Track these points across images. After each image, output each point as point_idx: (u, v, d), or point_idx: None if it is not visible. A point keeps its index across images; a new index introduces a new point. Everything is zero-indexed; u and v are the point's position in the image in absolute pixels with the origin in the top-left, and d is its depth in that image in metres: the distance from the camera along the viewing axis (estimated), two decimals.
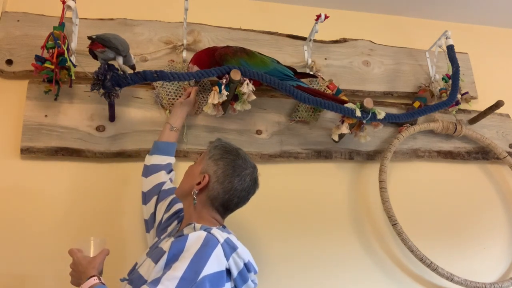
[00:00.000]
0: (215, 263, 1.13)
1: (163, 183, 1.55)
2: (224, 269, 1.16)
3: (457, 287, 1.79)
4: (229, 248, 1.18)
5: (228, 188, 1.27)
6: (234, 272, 1.18)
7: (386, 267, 1.84)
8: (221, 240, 1.17)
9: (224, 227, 1.34)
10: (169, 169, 1.61)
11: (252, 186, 1.32)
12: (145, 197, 1.56)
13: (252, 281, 1.26)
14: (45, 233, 1.58)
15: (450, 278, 1.76)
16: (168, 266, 1.12)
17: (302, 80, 1.90)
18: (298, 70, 1.97)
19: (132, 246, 1.63)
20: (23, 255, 1.54)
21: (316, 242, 1.81)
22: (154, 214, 1.52)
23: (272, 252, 1.75)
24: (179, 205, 1.49)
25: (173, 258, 1.12)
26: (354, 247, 1.84)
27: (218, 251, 1.14)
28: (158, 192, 1.53)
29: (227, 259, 1.16)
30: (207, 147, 1.36)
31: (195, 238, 1.15)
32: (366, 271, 1.81)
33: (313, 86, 1.96)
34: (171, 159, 1.62)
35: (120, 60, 1.56)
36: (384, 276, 1.82)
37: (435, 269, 1.75)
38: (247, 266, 1.22)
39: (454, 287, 1.79)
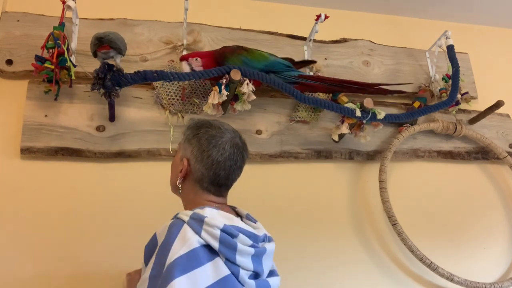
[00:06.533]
0: (180, 245, 1.00)
1: None
2: (196, 247, 1.01)
3: (457, 287, 1.79)
4: (197, 222, 1.04)
5: (210, 164, 1.15)
6: (214, 244, 1.03)
7: (386, 267, 1.84)
8: (186, 219, 1.05)
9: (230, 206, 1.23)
10: None
11: (236, 152, 1.18)
12: None
13: (252, 245, 1.09)
14: (45, 233, 1.58)
15: (450, 278, 1.76)
16: (144, 271, 1.05)
17: (300, 69, 1.92)
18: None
19: (132, 246, 1.63)
20: (23, 254, 1.54)
21: (316, 242, 1.81)
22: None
23: None
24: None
25: (147, 261, 1.06)
26: (354, 247, 1.84)
27: (183, 232, 1.02)
28: None
29: (199, 234, 1.03)
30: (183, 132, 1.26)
31: (160, 232, 1.07)
32: (366, 271, 1.81)
33: None
34: None
35: (118, 59, 1.58)
36: (384, 276, 1.82)
37: (435, 269, 1.75)
38: (228, 232, 1.05)
39: (454, 287, 1.79)
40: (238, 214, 1.23)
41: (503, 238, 2.02)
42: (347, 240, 1.84)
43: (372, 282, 1.80)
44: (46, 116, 1.68)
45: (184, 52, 1.89)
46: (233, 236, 1.06)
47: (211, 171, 1.15)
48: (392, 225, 1.79)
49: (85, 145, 1.68)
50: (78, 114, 1.72)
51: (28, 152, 1.63)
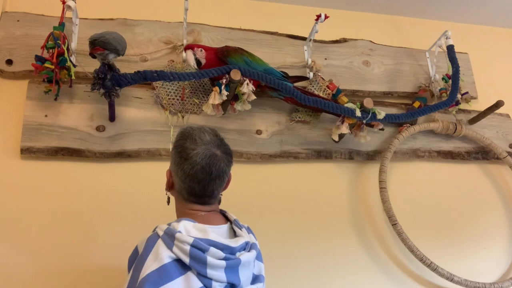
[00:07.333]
0: (152, 261, 1.03)
1: None
2: (166, 262, 1.03)
3: (457, 287, 1.79)
4: (169, 237, 1.06)
5: (183, 177, 1.14)
6: (185, 259, 1.04)
7: (386, 267, 1.84)
8: (161, 233, 1.07)
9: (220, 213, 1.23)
10: None
11: (210, 163, 1.13)
12: None
13: (225, 258, 1.09)
14: (45, 233, 1.58)
15: (450, 278, 1.76)
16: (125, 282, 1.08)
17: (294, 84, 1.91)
18: (298, 71, 1.98)
19: (132, 246, 1.63)
20: (22, 255, 1.54)
21: (316, 242, 1.81)
22: None
23: (271, 252, 1.75)
24: None
25: (129, 272, 1.08)
26: (354, 247, 1.84)
27: (156, 247, 1.05)
28: None
29: (171, 249, 1.05)
30: None
31: (140, 245, 1.10)
32: (366, 271, 1.81)
33: (313, 86, 1.96)
34: None
35: (112, 57, 1.57)
36: (384, 276, 1.82)
37: (435, 269, 1.75)
38: (198, 247, 1.05)
39: (454, 287, 1.79)
40: (228, 219, 1.24)
41: (503, 238, 2.02)
42: (347, 240, 1.84)
43: (372, 282, 1.80)
44: (46, 116, 1.68)
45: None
46: (203, 250, 1.06)
47: (185, 184, 1.15)
48: (392, 225, 1.79)
49: (85, 145, 1.68)
50: (78, 114, 1.72)
51: (28, 152, 1.63)
